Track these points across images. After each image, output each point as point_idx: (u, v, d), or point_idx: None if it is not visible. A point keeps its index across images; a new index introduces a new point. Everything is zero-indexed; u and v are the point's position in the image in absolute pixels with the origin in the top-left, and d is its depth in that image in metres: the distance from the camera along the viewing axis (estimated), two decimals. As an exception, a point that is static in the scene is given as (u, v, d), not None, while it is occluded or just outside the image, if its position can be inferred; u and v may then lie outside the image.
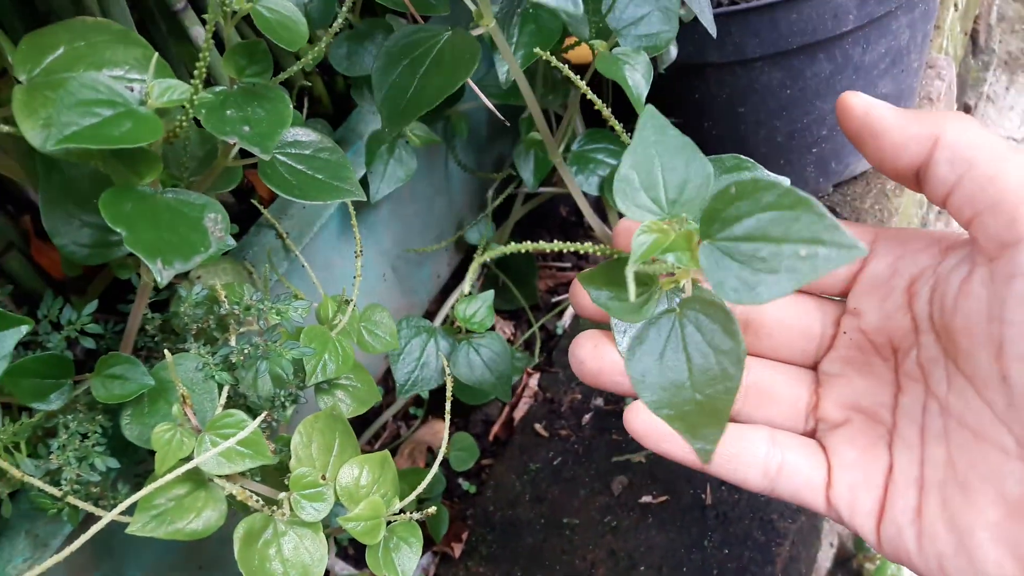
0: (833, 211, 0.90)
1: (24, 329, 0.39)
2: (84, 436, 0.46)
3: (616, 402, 0.78)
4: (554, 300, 0.91)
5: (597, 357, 0.40)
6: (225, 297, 0.51)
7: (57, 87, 0.38)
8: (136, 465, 0.51)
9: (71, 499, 0.44)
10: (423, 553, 0.75)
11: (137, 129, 0.37)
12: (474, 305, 0.71)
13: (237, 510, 0.48)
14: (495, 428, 0.82)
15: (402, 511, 0.51)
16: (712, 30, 0.59)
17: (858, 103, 0.36)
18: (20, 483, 0.44)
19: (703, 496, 0.69)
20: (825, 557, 0.79)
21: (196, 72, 0.39)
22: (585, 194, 0.66)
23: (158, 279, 0.37)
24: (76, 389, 0.47)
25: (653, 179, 0.35)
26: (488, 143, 0.89)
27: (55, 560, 0.38)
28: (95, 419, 0.47)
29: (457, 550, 0.73)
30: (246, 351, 0.49)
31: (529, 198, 0.86)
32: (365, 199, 0.51)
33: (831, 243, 0.29)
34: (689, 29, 0.64)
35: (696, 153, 0.36)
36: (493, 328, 0.72)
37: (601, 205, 0.82)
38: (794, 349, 0.41)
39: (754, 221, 0.31)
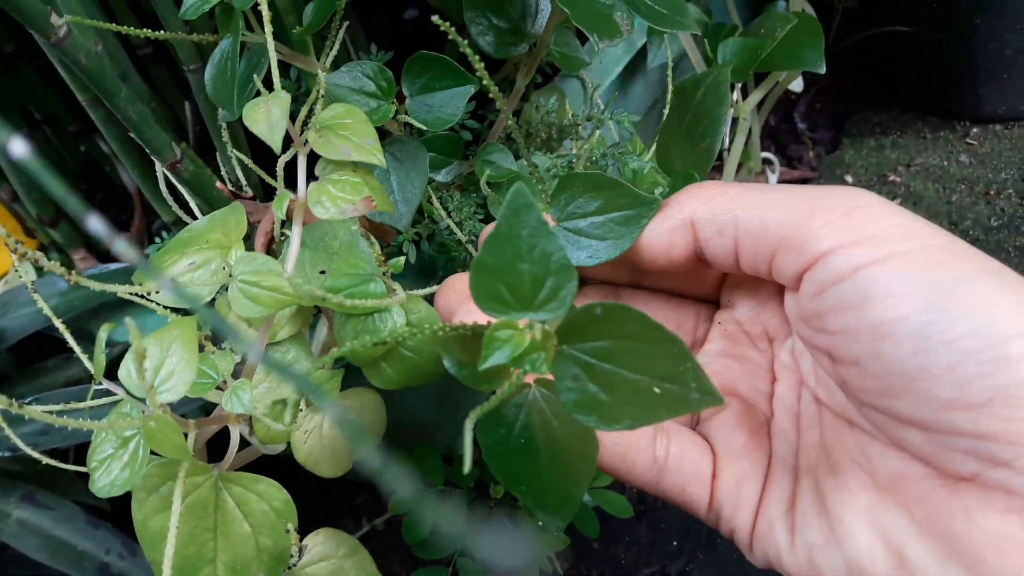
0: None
1: (472, 88, 0.49)
2: (467, 206, 0.57)
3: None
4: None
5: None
6: (563, 112, 0.61)
7: None
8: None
9: (470, 246, 0.54)
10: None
11: None
12: None
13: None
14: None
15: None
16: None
17: None
18: (432, 228, 0.55)
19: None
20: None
21: None
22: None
23: (596, 47, 0.47)
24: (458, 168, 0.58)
25: (513, 271, 0.30)
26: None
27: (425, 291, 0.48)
28: (471, 196, 0.58)
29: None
30: (594, 157, 0.59)
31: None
32: (699, 32, 0.60)
33: (689, 387, 0.27)
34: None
35: (560, 249, 0.30)
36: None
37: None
38: None
39: (615, 345, 0.28)
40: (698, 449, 0.36)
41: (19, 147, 0.16)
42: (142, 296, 0.40)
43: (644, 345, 0.28)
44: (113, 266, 0.65)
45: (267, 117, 0.41)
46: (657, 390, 0.27)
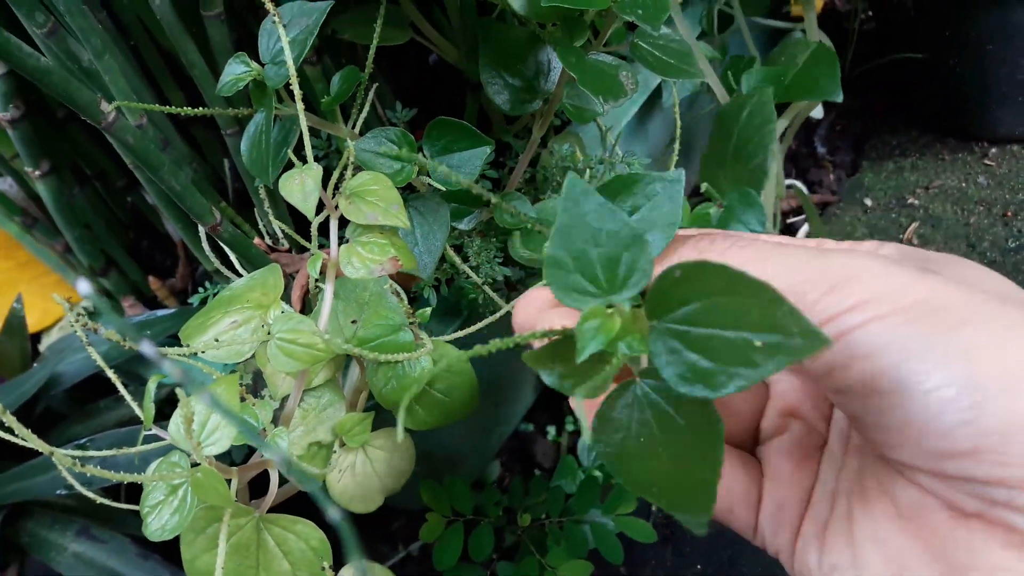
0: (1062, 150, 0.96)
1: (488, 149, 0.53)
2: (486, 250, 0.60)
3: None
4: (787, 221, 1.01)
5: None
6: (581, 155, 0.64)
7: None
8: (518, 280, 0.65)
9: (487, 288, 0.58)
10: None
11: None
12: None
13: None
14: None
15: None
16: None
17: None
18: (452, 274, 0.58)
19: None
20: None
21: None
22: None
23: (598, 110, 0.50)
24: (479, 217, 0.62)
25: (586, 258, 0.30)
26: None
27: (452, 336, 0.52)
28: (491, 241, 0.61)
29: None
30: (606, 198, 0.62)
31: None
32: (705, 78, 0.63)
33: (791, 333, 0.25)
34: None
35: (626, 223, 0.30)
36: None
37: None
38: None
39: (704, 306, 0.27)
40: (748, 473, 0.37)
41: (84, 287, 0.19)
42: (194, 355, 0.44)
43: (734, 298, 0.26)
44: (160, 312, 0.69)
45: (301, 188, 0.45)
46: (758, 343, 0.26)
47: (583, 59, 0.51)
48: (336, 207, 0.47)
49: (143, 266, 0.76)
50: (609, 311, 0.29)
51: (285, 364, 0.43)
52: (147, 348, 0.20)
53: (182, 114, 0.47)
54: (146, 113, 0.54)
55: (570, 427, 0.90)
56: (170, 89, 0.62)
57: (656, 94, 0.82)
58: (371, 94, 0.58)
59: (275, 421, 0.48)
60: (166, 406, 0.68)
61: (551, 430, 0.91)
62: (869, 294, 0.30)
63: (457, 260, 0.57)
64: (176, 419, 0.40)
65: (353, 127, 0.54)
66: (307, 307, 0.56)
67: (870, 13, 1.00)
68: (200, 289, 0.63)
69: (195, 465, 0.41)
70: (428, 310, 0.49)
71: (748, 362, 0.26)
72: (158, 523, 0.42)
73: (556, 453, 0.90)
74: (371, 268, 0.46)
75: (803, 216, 1.02)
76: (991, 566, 0.28)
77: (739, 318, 0.26)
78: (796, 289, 0.31)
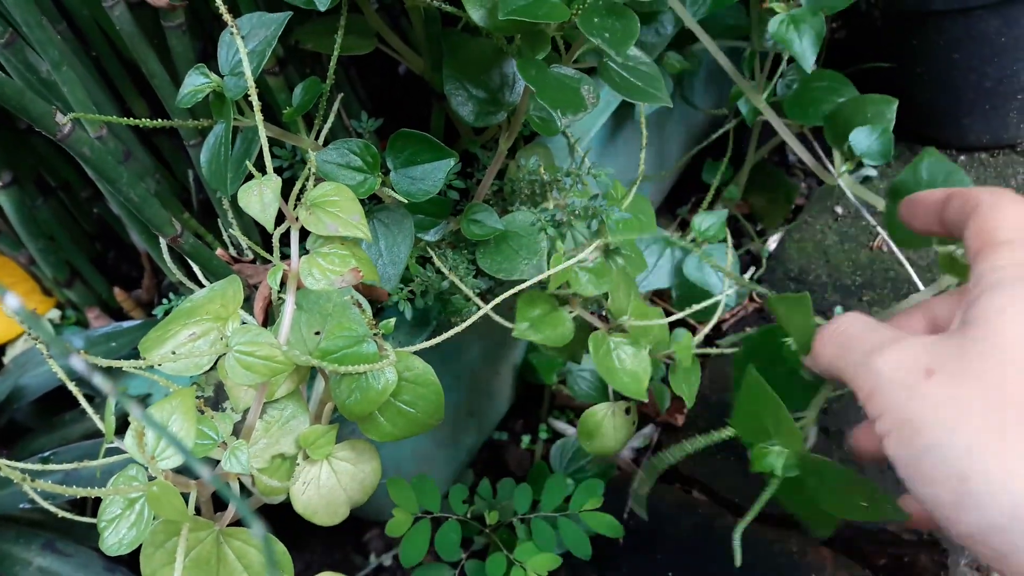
0: (1028, 157, 0.97)
1: (452, 161, 0.53)
2: (462, 264, 0.60)
3: (825, 311, 0.88)
4: (757, 228, 1.02)
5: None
6: (545, 169, 0.64)
7: None
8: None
9: (472, 294, 0.58)
10: (647, 425, 0.88)
11: (552, 11, 0.50)
12: (708, 219, 0.83)
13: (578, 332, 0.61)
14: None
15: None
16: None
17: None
18: (425, 285, 0.58)
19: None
20: None
21: None
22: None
23: (559, 125, 0.50)
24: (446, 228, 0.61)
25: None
26: (708, 85, 1.00)
27: (420, 346, 0.51)
28: (463, 253, 0.61)
29: (680, 420, 0.85)
30: (576, 212, 0.62)
31: (762, 144, 0.96)
32: (671, 105, 0.63)
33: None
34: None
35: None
36: (724, 240, 0.84)
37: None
38: None
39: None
40: None
41: (12, 302, 0.19)
42: (151, 368, 0.44)
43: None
44: (126, 324, 0.68)
45: (260, 199, 0.44)
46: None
47: (543, 72, 0.51)
48: (297, 218, 0.47)
49: (109, 277, 0.75)
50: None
51: (243, 377, 0.42)
52: (78, 363, 0.20)
53: (138, 127, 0.46)
54: (107, 124, 0.54)
55: (544, 434, 0.90)
56: (133, 99, 0.62)
57: (629, 103, 0.82)
58: (336, 104, 0.58)
59: (237, 433, 0.48)
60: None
61: (525, 438, 0.90)
62: (881, 407, 0.37)
63: (440, 266, 0.57)
64: (130, 435, 0.39)
65: (316, 138, 0.54)
66: (271, 318, 0.56)
67: (839, 23, 1.00)
68: (164, 300, 0.62)
69: (152, 479, 0.40)
70: (392, 321, 0.49)
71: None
72: (115, 537, 0.42)
73: (531, 461, 0.90)
74: (332, 280, 0.45)
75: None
76: None
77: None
78: (857, 385, 0.40)
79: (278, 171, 0.60)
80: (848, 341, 0.42)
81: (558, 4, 0.51)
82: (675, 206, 1.08)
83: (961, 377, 0.35)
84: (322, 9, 0.44)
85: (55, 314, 0.75)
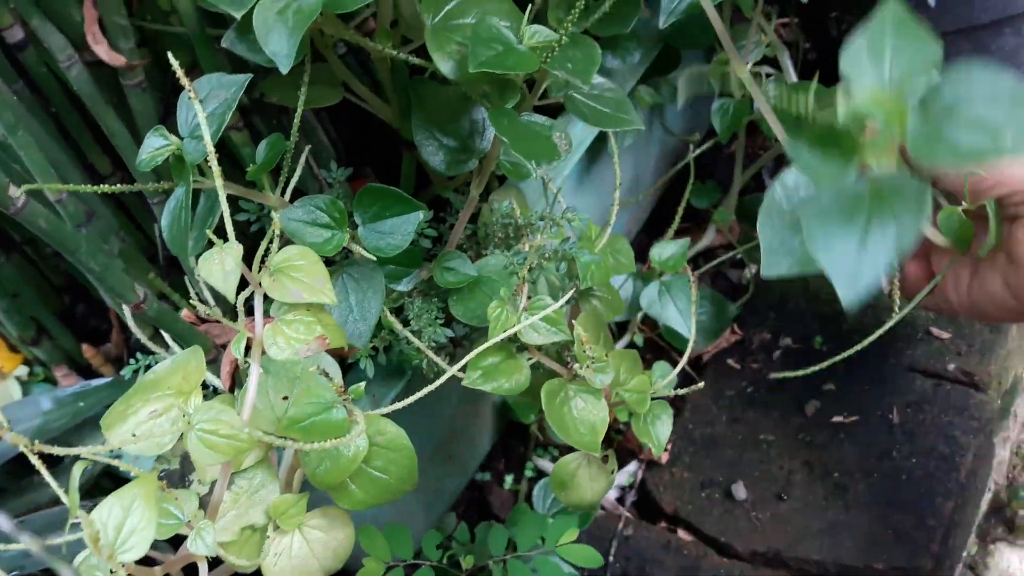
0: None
1: (421, 215, 0.52)
2: (427, 312, 0.59)
3: (806, 340, 0.88)
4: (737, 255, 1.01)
5: None
6: (519, 212, 0.63)
7: (455, 31, 0.51)
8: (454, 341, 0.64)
9: (430, 353, 0.56)
10: (631, 462, 0.87)
11: (521, 61, 0.49)
12: (669, 249, 0.82)
13: (538, 379, 0.60)
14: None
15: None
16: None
17: None
18: (390, 340, 0.57)
19: (891, 416, 0.78)
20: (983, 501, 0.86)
21: (562, 27, 0.51)
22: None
23: (533, 174, 0.49)
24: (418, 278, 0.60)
25: (880, 55, 0.38)
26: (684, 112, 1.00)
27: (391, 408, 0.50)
28: (432, 301, 0.60)
29: (665, 457, 0.84)
30: (546, 255, 0.61)
31: (747, 166, 0.95)
32: (643, 127, 0.62)
33: None
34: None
35: (927, 43, 0.38)
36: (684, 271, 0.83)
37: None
38: None
39: (970, 105, 0.35)
40: None
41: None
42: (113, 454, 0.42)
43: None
44: (95, 382, 0.67)
45: (221, 268, 0.43)
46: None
47: (515, 121, 0.50)
48: (261, 283, 0.46)
49: (78, 332, 0.73)
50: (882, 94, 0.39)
51: (207, 457, 0.41)
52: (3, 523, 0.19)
53: (98, 192, 0.45)
54: (65, 184, 0.52)
55: (529, 472, 0.89)
56: (95, 154, 0.60)
57: (603, 137, 0.81)
58: (303, 156, 0.56)
59: (204, 507, 0.46)
60: (104, 479, 0.66)
61: (508, 478, 0.89)
62: None
63: (397, 326, 0.56)
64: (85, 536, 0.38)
65: (283, 193, 0.53)
66: (238, 380, 0.55)
67: (809, 44, 1.00)
68: (132, 360, 0.61)
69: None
70: (362, 385, 0.48)
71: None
72: (79, 628, 0.40)
73: (514, 501, 0.88)
74: (297, 349, 0.44)
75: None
76: None
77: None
78: None
79: (245, 225, 0.59)
80: None
81: (526, 54, 0.50)
82: (656, 235, 1.07)
83: None
84: (284, 72, 0.43)
85: (23, 371, 0.73)
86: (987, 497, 0.88)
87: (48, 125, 0.57)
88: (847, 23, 0.86)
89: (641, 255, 1.04)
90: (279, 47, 0.43)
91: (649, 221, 1.08)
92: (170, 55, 0.43)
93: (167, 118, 0.58)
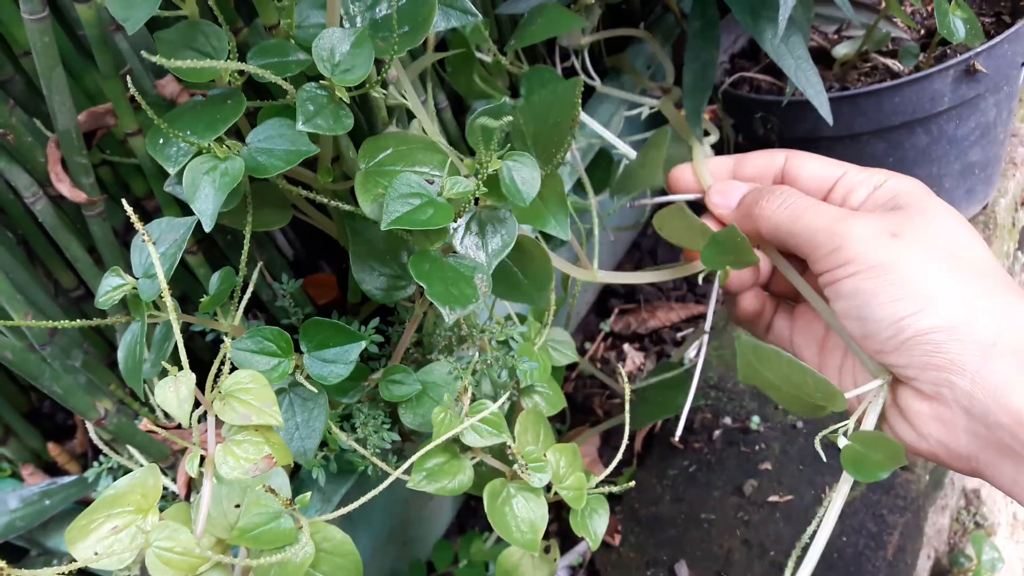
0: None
1: (363, 344, 0.56)
2: (374, 418, 0.63)
3: (743, 420, 0.92)
4: (679, 336, 1.06)
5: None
6: (465, 322, 0.68)
7: (385, 176, 0.54)
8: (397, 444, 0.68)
9: (375, 459, 0.60)
10: (582, 542, 0.91)
11: (437, 215, 0.52)
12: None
13: (481, 478, 0.64)
14: (637, 442, 0.97)
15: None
16: (828, 118, 0.75)
17: None
18: (339, 448, 0.61)
19: (823, 495, 0.83)
20: (923, 568, 0.91)
21: (478, 174, 0.55)
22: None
23: (447, 320, 0.53)
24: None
25: None
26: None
27: (338, 513, 0.54)
28: (380, 406, 0.64)
29: (616, 539, 0.87)
30: (488, 362, 0.65)
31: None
32: (568, 239, 0.67)
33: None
34: (807, 109, 0.79)
35: None
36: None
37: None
38: None
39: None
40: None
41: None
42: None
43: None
44: (61, 480, 0.70)
45: (176, 395, 0.47)
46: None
47: (436, 265, 0.54)
48: (213, 403, 0.50)
49: (45, 428, 0.76)
50: None
51: (163, 572, 0.45)
52: None
53: (59, 328, 0.49)
54: (32, 308, 0.56)
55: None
56: (60, 271, 0.64)
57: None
58: (257, 270, 0.61)
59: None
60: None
61: (464, 561, 0.92)
62: (851, 256, 0.50)
63: (342, 437, 0.60)
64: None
65: (235, 320, 0.57)
66: (194, 487, 0.58)
67: (747, 142, 1.06)
68: (95, 463, 0.64)
69: None
70: (308, 495, 0.52)
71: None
72: None
73: (471, 579, 0.91)
74: (246, 468, 0.48)
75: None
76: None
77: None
78: (816, 242, 0.52)
79: (201, 335, 0.63)
80: (803, 211, 0.55)
81: (443, 206, 0.53)
82: (605, 315, 1.12)
83: (922, 239, 0.49)
84: (206, 230, 0.47)
85: (-11, 469, 0.76)
86: (928, 565, 0.93)
87: (12, 248, 0.61)
88: (771, 123, 0.92)
89: (591, 334, 1.09)
90: (205, 206, 0.47)
91: (598, 302, 1.13)
92: (124, 202, 0.47)
93: (127, 237, 0.63)
